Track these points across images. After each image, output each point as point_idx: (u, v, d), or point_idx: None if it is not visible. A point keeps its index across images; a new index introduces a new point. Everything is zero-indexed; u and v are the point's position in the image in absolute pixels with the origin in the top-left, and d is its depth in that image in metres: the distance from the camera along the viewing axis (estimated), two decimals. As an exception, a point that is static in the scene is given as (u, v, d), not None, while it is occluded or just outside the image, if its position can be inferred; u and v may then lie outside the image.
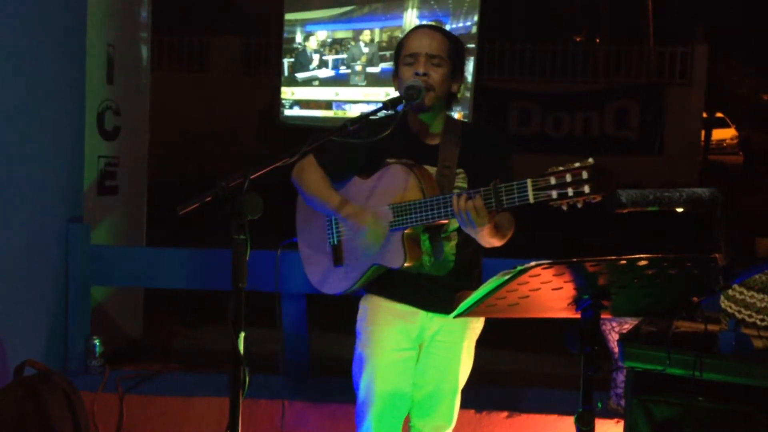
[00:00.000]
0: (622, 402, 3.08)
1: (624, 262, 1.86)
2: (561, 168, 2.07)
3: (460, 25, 9.51)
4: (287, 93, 11.29)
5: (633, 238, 7.83)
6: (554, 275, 1.86)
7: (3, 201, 3.57)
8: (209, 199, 2.11)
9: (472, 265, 2.58)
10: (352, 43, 10.64)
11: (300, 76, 11.13)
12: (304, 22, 11.11)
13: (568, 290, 1.94)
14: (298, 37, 11.15)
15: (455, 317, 2.06)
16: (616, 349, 2.98)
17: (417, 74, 2.43)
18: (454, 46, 2.52)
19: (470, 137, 2.53)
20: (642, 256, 1.85)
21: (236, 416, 2.08)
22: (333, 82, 10.80)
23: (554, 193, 2.06)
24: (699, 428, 2.47)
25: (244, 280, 2.08)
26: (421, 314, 2.55)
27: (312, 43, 11.03)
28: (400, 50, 2.53)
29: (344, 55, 10.70)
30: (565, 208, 2.08)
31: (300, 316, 3.82)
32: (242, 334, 2.07)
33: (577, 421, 1.97)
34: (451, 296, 2.42)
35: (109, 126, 4.48)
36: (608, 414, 3.39)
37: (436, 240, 2.48)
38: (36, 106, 3.73)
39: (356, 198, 2.52)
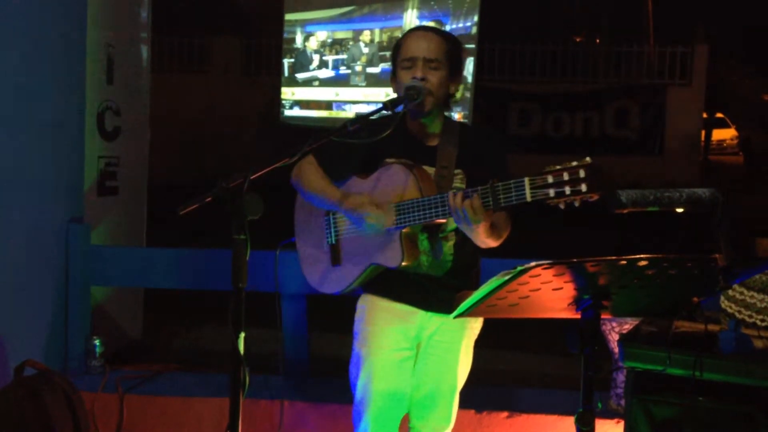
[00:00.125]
0: (623, 402, 3.08)
1: (624, 262, 1.86)
2: (558, 167, 2.06)
3: (460, 25, 9.51)
4: (287, 93, 11.29)
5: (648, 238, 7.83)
6: (554, 275, 1.86)
7: (3, 201, 3.57)
8: (209, 199, 2.12)
9: (470, 265, 2.58)
10: (352, 43, 10.64)
11: (300, 76, 11.13)
12: (304, 23, 11.12)
13: (569, 290, 1.94)
14: (299, 38, 11.15)
15: (455, 317, 2.07)
16: (617, 350, 2.98)
17: (415, 79, 2.43)
18: (452, 47, 2.52)
19: (468, 138, 2.53)
20: (642, 256, 1.85)
21: (236, 416, 2.09)
22: (333, 82, 10.80)
23: (551, 192, 2.06)
24: (699, 428, 2.47)
25: (244, 281, 2.08)
26: (420, 314, 2.55)
27: (312, 44, 11.03)
28: (397, 53, 2.52)
29: (344, 56, 10.70)
30: (562, 206, 2.08)
31: (300, 316, 3.82)
32: (242, 335, 2.07)
33: (577, 422, 1.97)
34: (450, 296, 2.42)
35: (110, 126, 4.49)
36: (608, 414, 3.39)
37: (434, 240, 2.48)
38: (36, 106, 3.74)
39: None
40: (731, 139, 23.01)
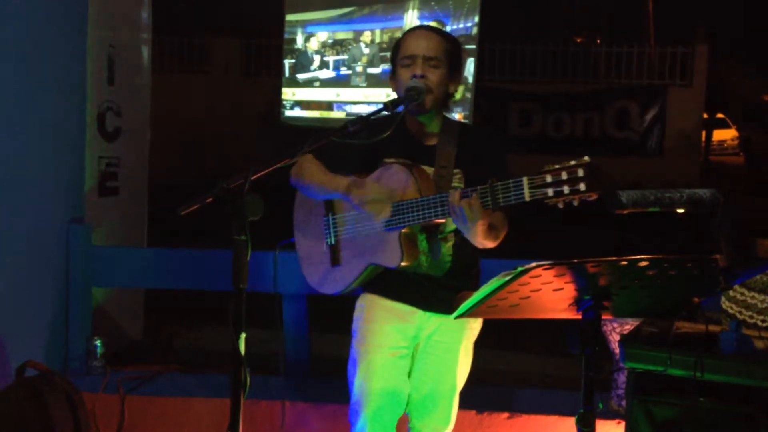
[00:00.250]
0: (623, 403, 3.08)
1: (625, 263, 1.86)
2: (557, 166, 2.06)
3: (461, 25, 9.51)
4: (288, 94, 11.30)
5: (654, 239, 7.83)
6: (555, 276, 1.86)
7: (4, 202, 3.57)
8: (210, 199, 2.11)
9: (470, 266, 2.58)
10: (353, 44, 10.64)
11: (301, 77, 11.14)
12: (304, 23, 11.12)
13: (569, 291, 1.94)
14: (299, 38, 11.16)
15: (456, 318, 2.06)
16: (617, 350, 2.99)
17: (415, 76, 2.43)
18: (452, 46, 2.52)
19: (467, 138, 2.53)
20: (643, 257, 1.85)
21: (237, 417, 2.08)
22: (334, 83, 10.81)
23: (550, 191, 2.06)
24: (700, 429, 2.47)
25: (244, 281, 2.08)
26: (419, 314, 2.55)
27: (313, 44, 11.03)
28: (397, 51, 2.52)
29: (345, 56, 10.70)
30: (561, 206, 2.08)
31: (300, 316, 3.82)
32: (243, 335, 2.07)
33: (578, 422, 1.97)
34: (449, 296, 2.42)
35: (110, 127, 4.49)
36: (609, 415, 3.39)
37: (434, 240, 2.48)
38: (37, 107, 3.74)
39: None
40: (732, 140, 23.02)
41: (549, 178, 2.06)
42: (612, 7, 19.98)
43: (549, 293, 1.93)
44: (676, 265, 1.92)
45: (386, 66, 9.78)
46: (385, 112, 2.36)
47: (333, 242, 2.58)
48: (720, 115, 21.38)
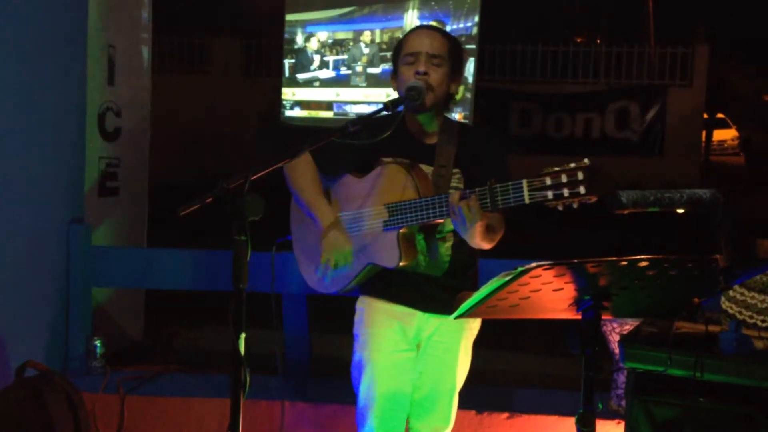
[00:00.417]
0: (623, 403, 3.08)
1: (625, 263, 1.86)
2: (556, 168, 2.06)
3: (461, 25, 9.52)
4: (288, 94, 11.30)
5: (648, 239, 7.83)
6: (555, 276, 1.86)
7: (4, 202, 3.57)
8: (210, 200, 2.11)
9: (468, 266, 2.57)
10: (353, 44, 10.65)
11: (301, 76, 11.14)
12: (304, 23, 11.12)
13: (569, 291, 1.94)
14: (299, 38, 11.16)
15: (456, 318, 2.06)
16: (617, 350, 2.99)
17: (418, 73, 2.42)
18: (454, 46, 2.52)
19: (467, 138, 2.53)
20: (643, 257, 1.85)
21: (237, 417, 2.09)
22: (334, 82, 10.81)
23: (550, 194, 2.06)
24: (700, 429, 2.47)
25: (244, 281, 2.08)
26: (418, 315, 2.55)
27: (313, 44, 11.04)
28: (399, 50, 2.52)
29: (345, 56, 10.71)
30: (560, 208, 2.08)
31: (300, 316, 3.82)
32: (243, 335, 2.07)
33: (578, 422, 1.97)
34: (448, 296, 2.42)
35: (110, 127, 4.49)
36: (609, 415, 3.39)
37: (432, 239, 2.48)
38: (37, 107, 3.74)
39: (353, 198, 2.52)
40: (732, 140, 23.01)
41: (548, 181, 2.06)
42: (612, 7, 19.99)
43: (549, 293, 1.93)
44: (676, 265, 1.92)
45: (386, 66, 9.79)
46: (385, 112, 2.36)
47: None
48: (720, 115, 21.37)
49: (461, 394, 2.64)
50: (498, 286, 1.87)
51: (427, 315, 2.54)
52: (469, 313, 2.01)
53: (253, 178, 2.07)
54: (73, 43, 4.02)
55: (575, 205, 2.06)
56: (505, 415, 3.49)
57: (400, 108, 2.42)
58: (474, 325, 2.62)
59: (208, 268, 3.99)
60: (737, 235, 2.56)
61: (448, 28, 8.56)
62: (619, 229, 7.34)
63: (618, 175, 11.91)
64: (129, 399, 3.65)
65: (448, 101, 2.54)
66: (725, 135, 22.71)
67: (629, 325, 3.18)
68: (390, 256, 2.41)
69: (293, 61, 11.21)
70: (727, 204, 2.57)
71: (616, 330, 3.38)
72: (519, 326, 4.81)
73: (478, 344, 2.66)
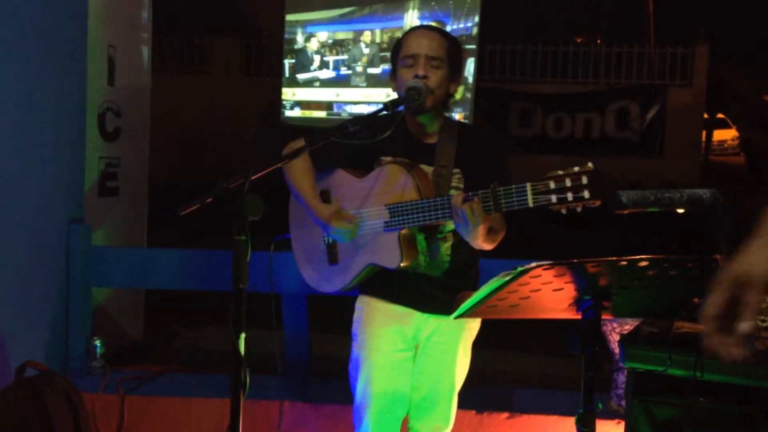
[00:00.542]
0: (623, 403, 3.08)
1: (625, 263, 1.86)
2: (560, 172, 2.06)
3: (461, 26, 9.51)
4: (288, 94, 11.30)
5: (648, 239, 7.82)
6: (555, 276, 1.86)
7: (4, 202, 3.57)
8: (210, 199, 2.11)
9: (468, 266, 2.57)
10: (353, 44, 10.64)
11: (301, 77, 11.14)
12: (305, 23, 11.12)
13: (569, 291, 1.94)
14: (299, 38, 11.16)
15: (455, 318, 2.06)
16: (617, 350, 2.99)
17: (417, 76, 2.42)
18: (453, 46, 2.52)
19: (466, 137, 2.53)
20: (643, 257, 1.85)
21: (237, 417, 2.09)
22: (334, 83, 10.81)
23: (554, 198, 2.06)
24: (700, 429, 2.47)
25: (244, 281, 2.08)
26: (417, 315, 2.55)
27: (313, 44, 11.04)
28: (398, 50, 2.51)
29: (345, 56, 10.71)
30: (564, 212, 2.08)
31: (300, 316, 3.82)
32: (243, 335, 2.07)
33: (578, 422, 1.97)
34: (447, 297, 2.42)
35: (110, 127, 4.49)
36: (609, 415, 3.39)
37: (432, 240, 2.48)
38: (37, 107, 3.74)
39: (352, 197, 2.52)
40: (732, 140, 23.02)
41: (552, 185, 2.06)
42: (612, 7, 20.00)
43: (549, 293, 1.93)
44: (676, 265, 1.92)
45: (386, 66, 9.79)
46: (385, 112, 2.36)
47: (330, 241, 2.57)
48: (720, 115, 21.38)
49: (461, 394, 2.65)
50: (498, 286, 1.87)
51: (426, 315, 2.54)
52: (469, 313, 2.01)
53: (253, 178, 2.07)
54: (73, 43, 4.02)
55: (579, 209, 2.06)
56: (505, 415, 3.49)
57: (400, 108, 2.42)
58: (473, 326, 2.62)
59: (208, 268, 3.98)
60: (737, 235, 2.56)
61: (448, 28, 8.56)
62: (621, 229, 7.34)
63: (618, 175, 11.90)
64: (129, 399, 3.65)
65: (447, 101, 2.54)
66: (725, 135, 22.72)
67: (629, 325, 3.18)
68: (391, 257, 2.41)
69: (293, 61, 11.21)
70: (727, 204, 2.56)
71: (616, 330, 3.38)
72: (519, 326, 4.81)
73: (478, 344, 2.66)
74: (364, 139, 2.34)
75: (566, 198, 2.05)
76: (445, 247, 2.50)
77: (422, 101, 2.40)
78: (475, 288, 1.96)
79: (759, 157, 19.82)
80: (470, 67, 9.29)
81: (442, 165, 2.48)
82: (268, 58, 14.11)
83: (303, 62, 11.10)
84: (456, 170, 2.49)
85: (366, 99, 10.38)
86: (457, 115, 8.92)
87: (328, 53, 10.88)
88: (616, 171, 11.98)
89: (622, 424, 2.81)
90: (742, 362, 1.33)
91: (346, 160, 2.54)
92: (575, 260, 1.83)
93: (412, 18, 9.97)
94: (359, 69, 10.54)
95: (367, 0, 10.51)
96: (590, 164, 2.05)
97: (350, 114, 10.40)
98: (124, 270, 4.12)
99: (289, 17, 11.17)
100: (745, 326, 1.30)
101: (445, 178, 2.46)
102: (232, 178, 2.10)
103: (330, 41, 10.88)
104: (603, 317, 2.02)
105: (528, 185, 2.11)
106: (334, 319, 3.11)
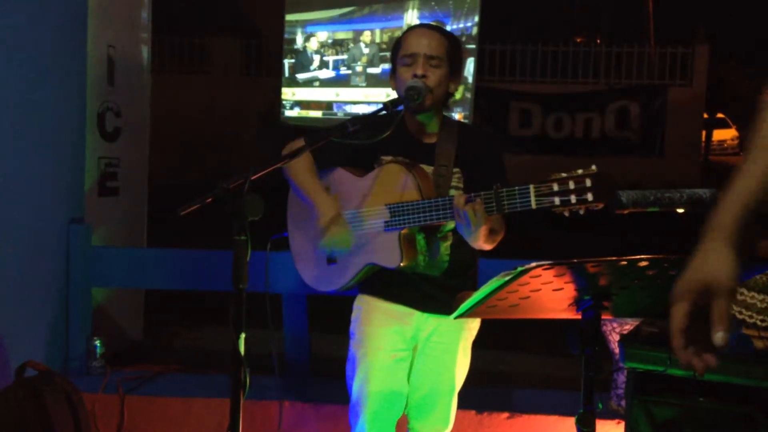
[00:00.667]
0: (623, 403, 3.07)
1: (625, 262, 1.86)
2: (564, 174, 2.06)
3: (461, 25, 9.51)
4: (288, 94, 11.30)
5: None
6: (555, 276, 1.86)
7: (4, 202, 3.57)
8: (210, 200, 2.11)
9: (467, 266, 2.57)
10: (353, 44, 10.64)
11: (300, 76, 11.14)
12: (304, 23, 11.12)
13: (569, 291, 1.93)
14: (299, 38, 11.16)
15: (455, 318, 2.06)
16: (617, 350, 2.99)
17: (416, 76, 2.42)
18: (453, 45, 2.51)
19: (467, 137, 2.53)
20: (643, 257, 1.85)
21: (237, 417, 2.09)
22: (334, 82, 10.81)
23: (557, 200, 2.06)
24: (700, 429, 2.47)
25: (244, 281, 2.08)
26: (416, 315, 2.55)
27: (313, 44, 11.04)
28: (397, 50, 2.51)
29: (345, 56, 10.71)
30: (567, 214, 2.08)
31: (300, 316, 3.82)
32: (243, 335, 2.07)
33: (577, 422, 1.97)
34: (447, 297, 2.41)
35: (110, 127, 4.49)
36: (609, 415, 3.39)
37: (432, 240, 2.48)
38: (37, 107, 3.74)
39: (353, 197, 2.52)
40: (732, 140, 22.99)
41: (556, 187, 2.06)
42: (612, 7, 20.00)
43: (549, 293, 1.92)
44: (676, 265, 1.91)
45: (386, 66, 9.79)
46: (385, 112, 2.36)
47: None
48: (720, 115, 21.36)
49: (461, 394, 2.64)
50: (498, 286, 1.86)
51: (425, 315, 2.54)
52: (468, 313, 2.01)
53: (253, 178, 2.07)
54: (73, 43, 4.02)
55: (582, 212, 2.06)
56: (505, 415, 3.49)
57: (400, 107, 2.42)
58: (473, 326, 2.62)
59: (208, 268, 3.98)
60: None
61: (448, 28, 8.55)
62: (621, 230, 7.33)
63: (618, 175, 11.91)
64: (129, 399, 3.65)
65: (447, 100, 2.54)
66: (725, 135, 22.69)
67: (629, 325, 3.18)
68: (391, 257, 2.41)
69: (293, 61, 11.21)
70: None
71: (616, 330, 3.38)
72: (519, 326, 4.81)
73: (478, 344, 2.66)
74: (363, 138, 2.34)
75: (569, 200, 2.05)
76: (445, 247, 2.50)
77: (421, 100, 2.40)
78: (475, 288, 1.96)
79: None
80: (470, 66, 9.29)
81: (442, 164, 2.47)
82: (267, 58, 14.11)
83: (303, 62, 11.10)
84: (456, 170, 2.49)
85: (366, 99, 10.38)
86: (457, 115, 8.92)
87: (327, 53, 10.88)
88: (616, 171, 11.98)
89: (622, 424, 2.82)
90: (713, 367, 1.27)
91: (346, 159, 2.54)
92: (575, 260, 1.83)
93: (411, 18, 9.98)
94: (359, 69, 10.54)
95: (366, 0, 10.51)
96: (594, 167, 2.05)
97: (349, 114, 10.40)
98: (123, 270, 4.12)
99: (289, 17, 11.17)
100: (720, 338, 1.22)
101: (445, 178, 2.46)
102: (232, 178, 2.10)
103: (330, 41, 10.88)
104: (603, 317, 2.02)
105: (531, 187, 2.11)
106: (334, 319, 3.11)
